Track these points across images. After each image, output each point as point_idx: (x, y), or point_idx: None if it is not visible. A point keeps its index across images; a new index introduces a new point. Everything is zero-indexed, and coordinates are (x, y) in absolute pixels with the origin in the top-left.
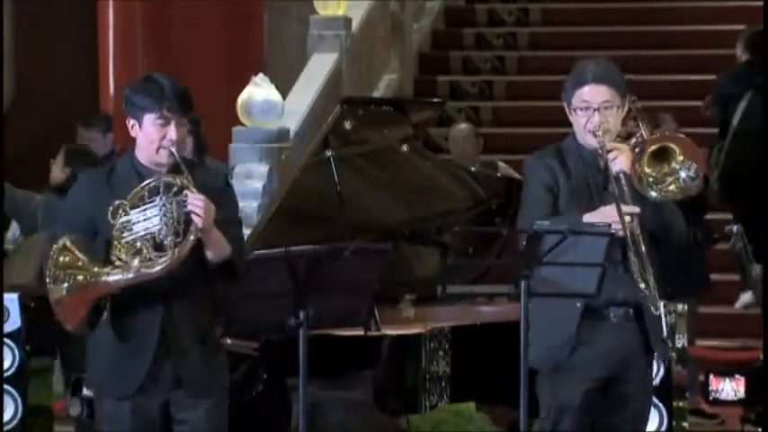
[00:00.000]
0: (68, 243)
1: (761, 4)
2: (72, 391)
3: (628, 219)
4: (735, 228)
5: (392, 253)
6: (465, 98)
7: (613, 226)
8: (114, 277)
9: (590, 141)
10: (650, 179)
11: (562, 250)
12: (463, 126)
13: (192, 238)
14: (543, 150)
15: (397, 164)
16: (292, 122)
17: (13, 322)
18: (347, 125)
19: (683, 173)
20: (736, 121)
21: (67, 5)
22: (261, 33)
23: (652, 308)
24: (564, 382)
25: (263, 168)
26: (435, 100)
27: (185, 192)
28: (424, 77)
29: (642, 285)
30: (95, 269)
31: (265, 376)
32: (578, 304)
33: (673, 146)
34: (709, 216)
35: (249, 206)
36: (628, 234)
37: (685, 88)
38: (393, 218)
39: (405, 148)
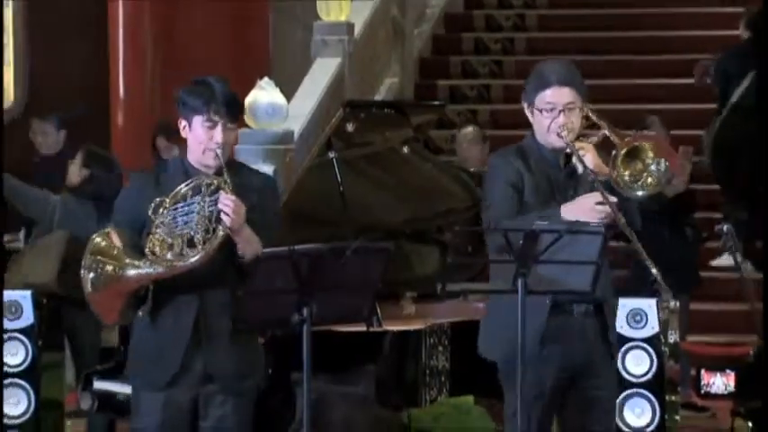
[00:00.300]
0: (111, 230)
1: (754, 10)
2: (83, 385)
3: (607, 208)
4: (725, 227)
5: (393, 252)
6: (464, 101)
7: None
8: (145, 270)
9: (553, 141)
10: (629, 179)
11: (558, 248)
12: (469, 129)
13: (220, 235)
14: (504, 150)
15: (398, 165)
16: (296, 125)
17: (27, 318)
18: (350, 127)
19: (655, 167)
20: (737, 96)
21: (79, 9)
22: (266, 38)
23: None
24: (531, 378)
25: (267, 169)
26: (435, 103)
27: (220, 191)
28: (424, 81)
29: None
30: (126, 260)
31: (270, 371)
32: (547, 300)
33: (643, 144)
34: (698, 215)
35: None
36: (620, 220)
37: (678, 92)
38: (394, 218)
39: (406, 149)
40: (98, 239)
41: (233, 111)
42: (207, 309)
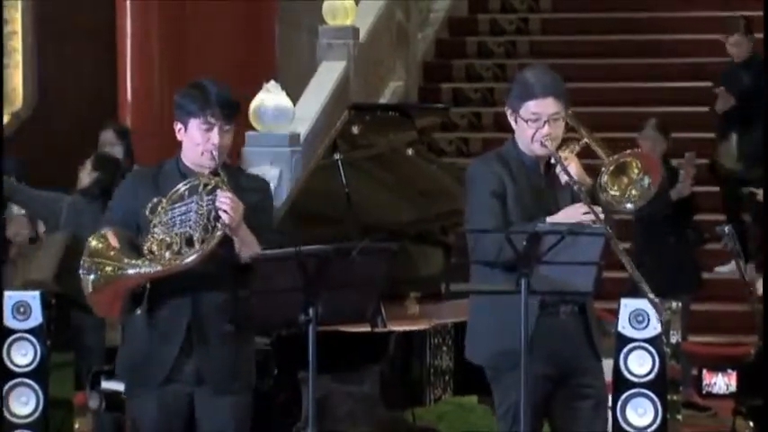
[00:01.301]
0: (107, 231)
1: (755, 14)
2: (91, 384)
3: (592, 217)
4: (726, 228)
5: (398, 252)
6: (467, 104)
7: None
8: (144, 269)
9: (536, 149)
10: (617, 195)
11: (559, 250)
12: None
13: (218, 233)
14: (484, 157)
15: (402, 167)
16: (302, 127)
17: (35, 318)
18: (355, 130)
19: (639, 180)
20: None
21: (88, 13)
22: (272, 42)
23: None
24: (521, 380)
25: (274, 171)
26: (439, 106)
27: (218, 190)
28: (428, 84)
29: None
30: (125, 260)
31: (277, 370)
32: (536, 303)
33: (628, 160)
34: (698, 217)
35: None
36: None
37: (679, 95)
38: (399, 218)
39: (410, 151)
40: (94, 242)
41: (229, 113)
42: (201, 310)
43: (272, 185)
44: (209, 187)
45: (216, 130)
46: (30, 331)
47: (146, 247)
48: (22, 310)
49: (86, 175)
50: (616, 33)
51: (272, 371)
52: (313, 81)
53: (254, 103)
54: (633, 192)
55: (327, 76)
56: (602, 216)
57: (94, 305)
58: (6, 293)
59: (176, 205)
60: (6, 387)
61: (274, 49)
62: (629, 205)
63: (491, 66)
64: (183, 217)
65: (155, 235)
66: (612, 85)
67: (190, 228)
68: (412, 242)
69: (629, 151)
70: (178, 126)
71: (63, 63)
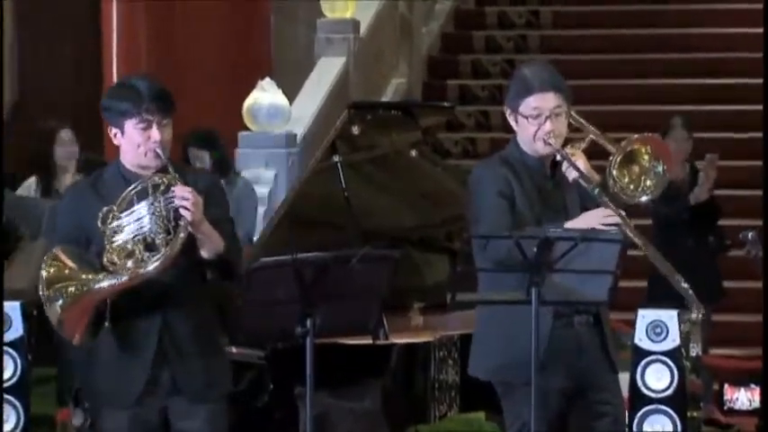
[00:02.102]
0: (58, 252)
1: None
2: (74, 401)
3: (617, 220)
4: (750, 234)
5: (401, 260)
6: (474, 102)
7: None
8: (108, 282)
9: (539, 148)
10: (631, 186)
11: (572, 257)
12: None
13: (182, 234)
14: (488, 160)
15: (405, 169)
16: (299, 127)
17: (16, 330)
18: (355, 130)
19: (652, 168)
20: None
21: (70, 7)
22: (267, 36)
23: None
24: (535, 393)
25: (269, 174)
26: (444, 104)
27: (172, 188)
28: (433, 81)
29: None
30: (84, 276)
31: (272, 385)
32: (549, 312)
33: (636, 147)
34: (721, 222)
35: None
36: (629, 234)
37: (697, 92)
38: (402, 224)
39: (413, 153)
40: (46, 270)
41: (164, 106)
42: (170, 323)
43: (267, 189)
44: (163, 187)
45: (154, 126)
46: (10, 344)
47: (106, 259)
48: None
49: (70, 178)
50: (632, 27)
51: (267, 386)
52: (310, 78)
53: (247, 102)
54: (648, 182)
55: (326, 73)
56: (625, 217)
57: (60, 326)
58: None
59: (128, 211)
60: None
61: (269, 43)
62: (644, 198)
63: (500, 61)
64: (140, 222)
65: (112, 244)
66: (628, 82)
67: (149, 232)
68: (415, 249)
69: (636, 136)
70: (113, 131)
71: (44, 60)
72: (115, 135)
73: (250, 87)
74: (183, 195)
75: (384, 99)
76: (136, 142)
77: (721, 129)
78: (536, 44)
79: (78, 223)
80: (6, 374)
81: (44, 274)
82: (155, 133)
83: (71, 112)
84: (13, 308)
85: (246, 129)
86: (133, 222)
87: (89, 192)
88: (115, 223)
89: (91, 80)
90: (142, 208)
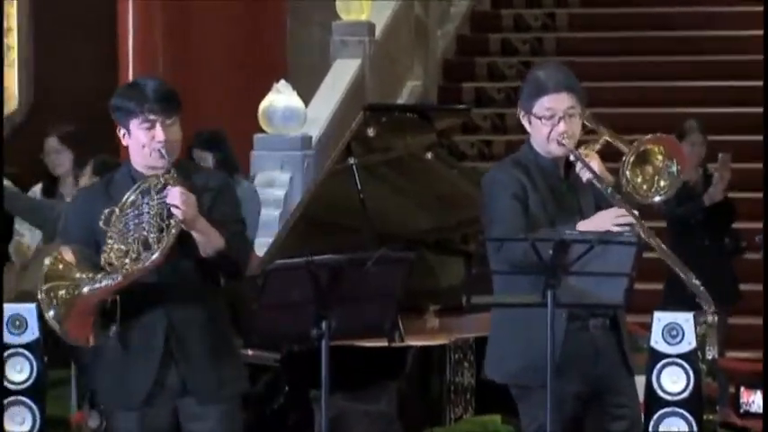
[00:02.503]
0: (61, 249)
1: None
2: (90, 403)
3: (631, 220)
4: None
5: (416, 262)
6: (490, 105)
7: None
8: (103, 282)
9: (553, 150)
10: (644, 186)
11: (588, 260)
12: None
13: (173, 232)
14: (501, 163)
15: (420, 172)
16: (314, 130)
17: (32, 332)
18: (370, 132)
19: (666, 168)
20: None
21: (86, 8)
22: (283, 39)
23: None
24: (551, 397)
25: (284, 176)
26: (460, 107)
27: (168, 187)
28: (448, 84)
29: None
30: (78, 275)
31: (287, 388)
32: (563, 315)
33: (649, 147)
34: (736, 225)
35: (270, 215)
36: (643, 234)
37: (711, 94)
38: (417, 226)
39: (429, 155)
40: (48, 261)
41: (168, 106)
42: (177, 324)
43: (282, 191)
44: (159, 186)
45: (158, 126)
46: (26, 346)
47: (103, 260)
48: (17, 323)
49: (87, 180)
50: (648, 29)
51: (282, 389)
52: (326, 80)
53: (263, 104)
54: (661, 182)
55: (341, 75)
56: (639, 217)
57: (66, 335)
58: None
59: (129, 211)
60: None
61: (285, 45)
62: (657, 198)
63: (515, 64)
64: (137, 221)
65: (111, 245)
66: (644, 84)
67: (145, 230)
68: (431, 251)
69: (649, 136)
70: (122, 131)
71: (60, 61)
72: (123, 135)
73: (265, 89)
74: (174, 193)
75: (399, 101)
76: (141, 142)
77: (735, 131)
78: (552, 47)
79: (87, 225)
80: (22, 377)
81: (44, 269)
82: (159, 133)
83: (86, 113)
84: (28, 310)
85: (262, 131)
86: (132, 223)
87: (100, 194)
88: (116, 224)
89: (106, 81)
90: (140, 208)
